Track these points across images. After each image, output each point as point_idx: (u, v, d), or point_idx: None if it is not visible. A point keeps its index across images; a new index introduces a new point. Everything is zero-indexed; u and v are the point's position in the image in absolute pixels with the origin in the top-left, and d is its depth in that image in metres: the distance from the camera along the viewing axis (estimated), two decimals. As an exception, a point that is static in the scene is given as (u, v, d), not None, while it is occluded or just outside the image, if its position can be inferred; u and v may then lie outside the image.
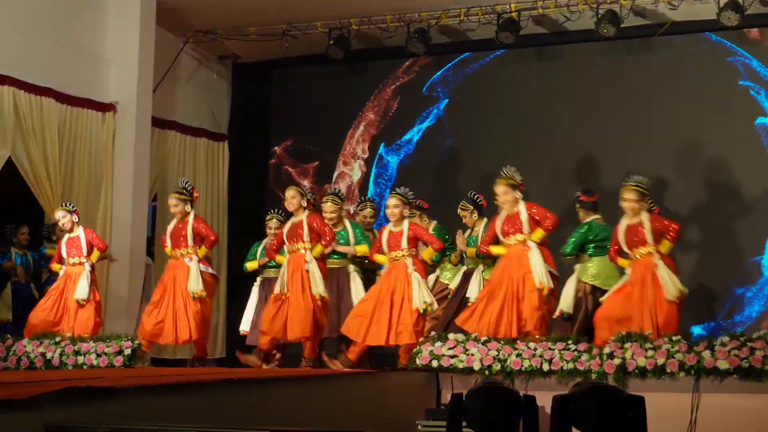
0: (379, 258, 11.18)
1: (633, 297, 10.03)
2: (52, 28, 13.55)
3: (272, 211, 12.54)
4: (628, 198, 10.23)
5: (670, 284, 9.89)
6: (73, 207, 12.25)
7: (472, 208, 11.72)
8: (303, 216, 11.18)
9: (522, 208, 10.53)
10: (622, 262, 10.37)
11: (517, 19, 14.01)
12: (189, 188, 11.79)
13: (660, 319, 9.82)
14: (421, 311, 10.64)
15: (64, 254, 12.13)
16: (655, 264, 9.98)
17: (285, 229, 11.29)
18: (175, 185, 12.87)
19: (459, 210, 11.75)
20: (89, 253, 12.04)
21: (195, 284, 11.42)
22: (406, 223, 10.95)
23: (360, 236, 11.80)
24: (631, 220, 10.26)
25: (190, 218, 11.63)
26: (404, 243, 10.87)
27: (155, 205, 14.74)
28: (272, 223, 12.34)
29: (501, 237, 10.64)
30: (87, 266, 11.99)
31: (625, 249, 10.25)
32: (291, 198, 11.24)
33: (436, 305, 11.03)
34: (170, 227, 11.77)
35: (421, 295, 10.67)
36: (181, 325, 11.47)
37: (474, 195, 11.81)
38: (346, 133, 15.82)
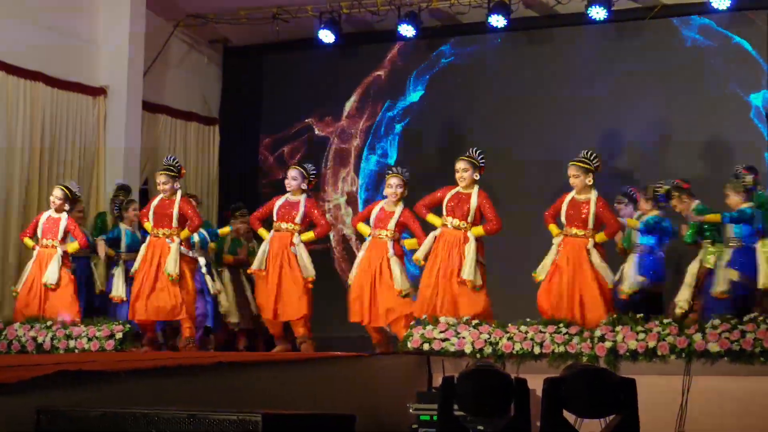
0: (362, 228, 11.13)
1: (562, 280, 10.12)
2: (42, 13, 13.51)
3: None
4: (569, 173, 10.32)
5: (608, 272, 10.09)
6: (79, 192, 12.13)
7: (626, 201, 11.99)
8: (301, 198, 11.13)
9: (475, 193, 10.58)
10: (552, 228, 10.42)
11: (508, 2, 13.98)
12: (177, 165, 11.61)
13: (591, 302, 9.97)
14: (402, 295, 10.67)
15: (39, 231, 11.83)
16: (588, 250, 10.09)
17: (277, 204, 11.21)
18: (166, 170, 12.81)
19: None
20: (63, 239, 11.76)
21: (172, 266, 11.12)
22: (400, 207, 10.92)
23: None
24: (578, 195, 10.32)
25: (177, 197, 11.45)
26: (392, 224, 10.85)
27: (146, 188, 14.69)
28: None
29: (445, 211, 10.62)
30: (59, 250, 11.71)
31: (563, 220, 10.31)
32: (292, 179, 11.17)
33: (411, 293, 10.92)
34: (155, 202, 11.47)
35: (402, 281, 10.72)
36: (168, 298, 11.29)
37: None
38: (337, 116, 15.80)
